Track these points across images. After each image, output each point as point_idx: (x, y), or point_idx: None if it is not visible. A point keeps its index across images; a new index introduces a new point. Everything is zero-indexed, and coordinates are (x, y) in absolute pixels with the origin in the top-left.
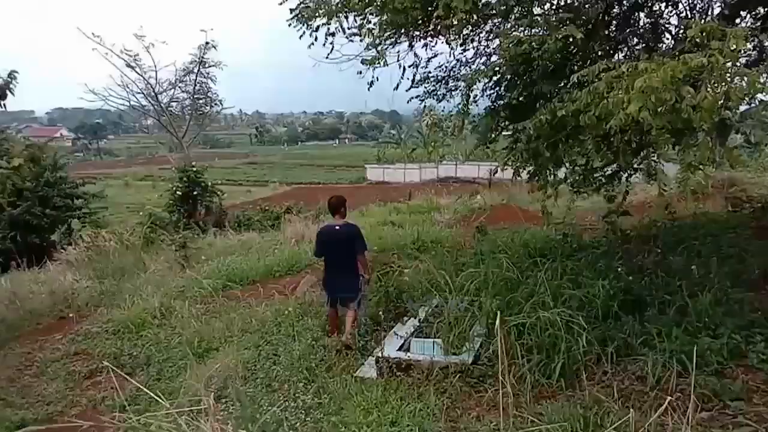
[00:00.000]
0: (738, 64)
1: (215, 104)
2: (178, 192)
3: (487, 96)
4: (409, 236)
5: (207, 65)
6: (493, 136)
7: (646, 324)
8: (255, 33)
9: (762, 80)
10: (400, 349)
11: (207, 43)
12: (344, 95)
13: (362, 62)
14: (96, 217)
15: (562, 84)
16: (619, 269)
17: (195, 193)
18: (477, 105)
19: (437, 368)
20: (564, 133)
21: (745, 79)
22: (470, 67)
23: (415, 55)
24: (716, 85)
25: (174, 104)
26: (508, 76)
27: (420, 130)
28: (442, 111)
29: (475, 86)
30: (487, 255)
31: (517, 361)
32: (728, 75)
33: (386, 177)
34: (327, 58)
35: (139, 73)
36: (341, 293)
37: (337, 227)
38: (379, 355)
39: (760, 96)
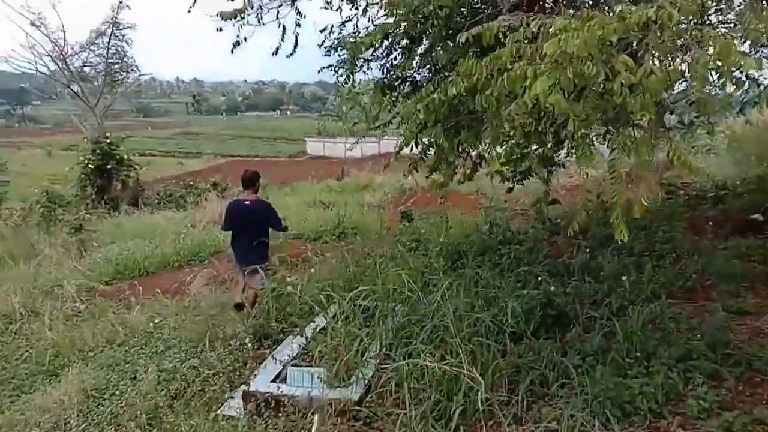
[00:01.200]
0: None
1: (131, 69)
2: (90, 165)
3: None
4: (332, 220)
5: (121, 27)
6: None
7: (568, 350)
8: None
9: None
10: (275, 379)
11: (120, 2)
12: (287, 64)
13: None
14: None
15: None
16: (540, 277)
17: (109, 166)
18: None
19: (316, 406)
20: (464, 117)
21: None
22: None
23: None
24: (666, 54)
25: (87, 69)
26: (402, 42)
27: (362, 103)
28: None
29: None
30: (401, 250)
31: (407, 403)
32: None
33: (326, 151)
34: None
35: (45, 34)
36: (249, 263)
37: (247, 202)
38: (246, 389)
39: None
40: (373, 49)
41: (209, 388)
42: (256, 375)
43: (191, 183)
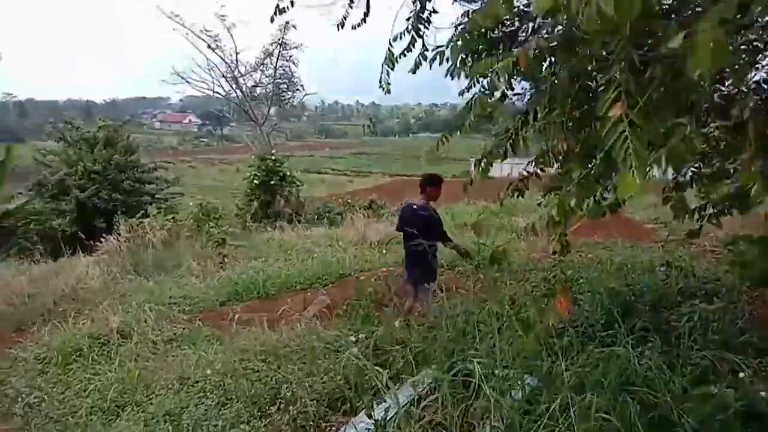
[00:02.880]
0: None
1: (297, 89)
2: (255, 180)
3: None
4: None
5: (288, 47)
6: None
7: None
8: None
9: None
10: None
11: (287, 22)
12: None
13: None
14: (171, 203)
15: None
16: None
17: (273, 182)
18: None
19: None
20: None
21: None
22: None
23: None
24: None
25: (258, 89)
26: None
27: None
28: None
29: None
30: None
31: None
32: None
33: (492, 171)
34: None
35: (220, 56)
36: (412, 276)
37: (414, 206)
38: None
39: None
40: None
41: None
42: None
43: (349, 201)
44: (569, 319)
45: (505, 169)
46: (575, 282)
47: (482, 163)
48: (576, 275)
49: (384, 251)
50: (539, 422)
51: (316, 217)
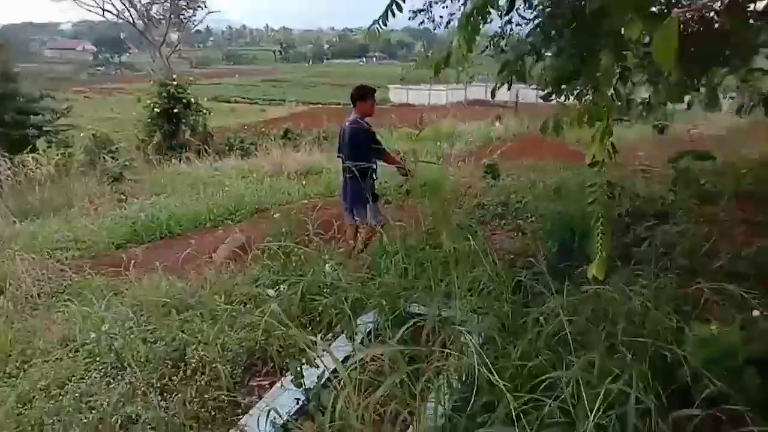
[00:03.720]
0: None
1: (199, 6)
2: (156, 109)
3: None
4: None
5: None
6: None
7: None
8: None
9: None
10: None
11: None
12: (375, 10)
13: None
14: (62, 136)
15: None
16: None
17: (176, 110)
18: None
19: None
20: None
21: None
22: None
23: None
24: None
25: (155, 7)
26: None
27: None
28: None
29: None
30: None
31: None
32: None
33: (410, 99)
34: None
35: None
36: (349, 203)
37: (347, 123)
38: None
39: None
40: None
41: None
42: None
43: (263, 130)
44: (521, 250)
45: (413, 95)
46: (517, 208)
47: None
48: (515, 199)
49: (304, 182)
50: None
51: (226, 148)
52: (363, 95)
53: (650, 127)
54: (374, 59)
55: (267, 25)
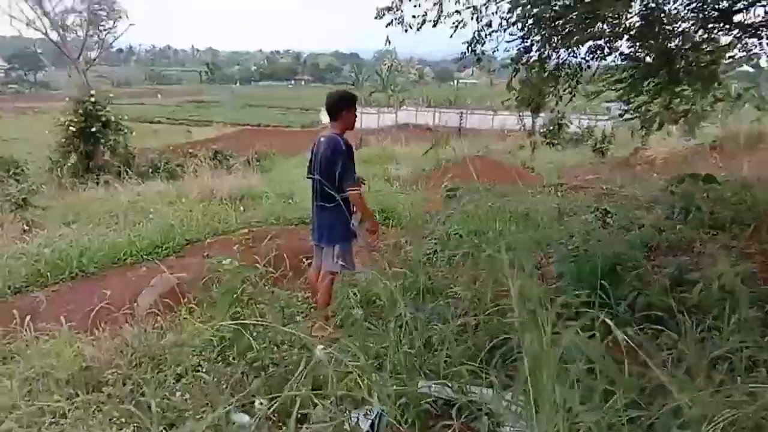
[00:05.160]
0: None
1: (119, 17)
2: (71, 128)
3: None
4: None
5: None
6: None
7: None
8: None
9: None
10: None
11: None
12: (303, 34)
13: None
14: None
15: None
16: None
17: (94, 129)
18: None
19: None
20: None
21: None
22: None
23: None
24: None
25: (71, 17)
26: None
27: (380, 72)
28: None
29: None
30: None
31: None
32: None
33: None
34: None
35: None
36: (317, 238)
37: (322, 138)
38: None
39: None
40: None
41: None
42: None
43: (191, 151)
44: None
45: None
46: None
47: None
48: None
49: (242, 208)
50: None
51: (150, 170)
52: (346, 104)
53: (590, 150)
54: (303, 82)
55: (192, 45)
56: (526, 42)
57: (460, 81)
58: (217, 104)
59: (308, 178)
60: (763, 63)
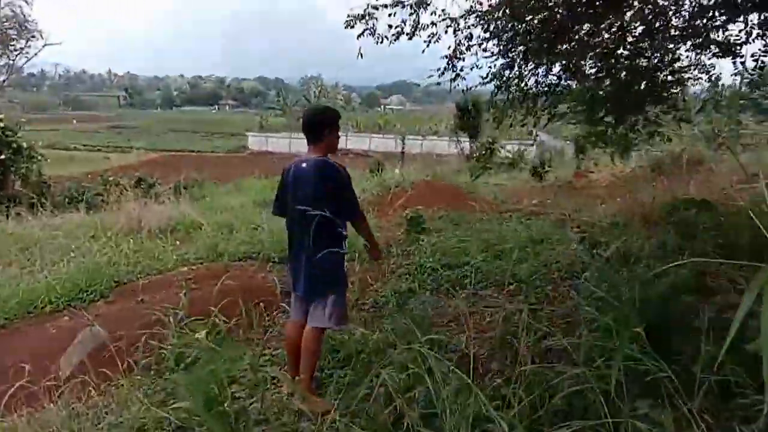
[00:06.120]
0: None
1: (33, 36)
2: None
3: None
4: None
5: None
6: None
7: None
8: None
9: None
10: None
11: None
12: (226, 59)
13: None
14: None
15: None
16: None
17: (2, 157)
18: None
19: None
20: None
21: None
22: None
23: None
24: None
25: None
26: None
27: (308, 97)
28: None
29: None
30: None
31: None
32: None
33: (270, 146)
34: None
35: None
36: (306, 290)
37: (304, 164)
38: None
39: None
40: None
41: None
42: None
43: (111, 179)
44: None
45: (273, 143)
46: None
47: None
48: (462, 261)
49: (177, 242)
50: None
51: (67, 200)
52: (330, 122)
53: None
54: (227, 107)
55: (110, 69)
56: (507, 58)
57: (387, 107)
58: (137, 129)
59: (276, 214)
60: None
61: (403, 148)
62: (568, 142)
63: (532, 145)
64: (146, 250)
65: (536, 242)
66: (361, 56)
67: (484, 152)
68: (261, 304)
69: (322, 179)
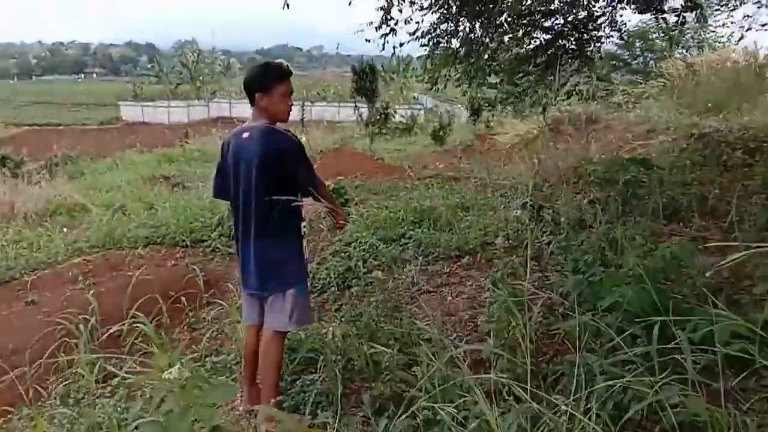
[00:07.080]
0: None
1: None
2: None
3: None
4: (205, 208)
5: None
6: None
7: None
8: None
9: None
10: None
11: None
12: (90, 25)
13: None
14: None
15: None
16: None
17: None
18: None
19: None
20: None
21: None
22: None
23: None
24: None
25: None
26: None
27: (185, 63)
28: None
29: None
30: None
31: None
32: None
33: (146, 117)
34: None
35: None
36: (258, 285)
37: (245, 134)
38: None
39: None
40: None
41: None
42: None
43: None
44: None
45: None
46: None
47: None
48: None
49: (63, 228)
50: None
51: None
52: (262, 84)
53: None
54: (94, 75)
55: None
56: (443, 10)
57: None
58: None
59: (217, 197)
60: None
61: (303, 115)
62: (459, 106)
63: (420, 109)
64: (27, 239)
65: (467, 209)
66: (287, 6)
67: (378, 117)
68: (183, 298)
69: (270, 150)
